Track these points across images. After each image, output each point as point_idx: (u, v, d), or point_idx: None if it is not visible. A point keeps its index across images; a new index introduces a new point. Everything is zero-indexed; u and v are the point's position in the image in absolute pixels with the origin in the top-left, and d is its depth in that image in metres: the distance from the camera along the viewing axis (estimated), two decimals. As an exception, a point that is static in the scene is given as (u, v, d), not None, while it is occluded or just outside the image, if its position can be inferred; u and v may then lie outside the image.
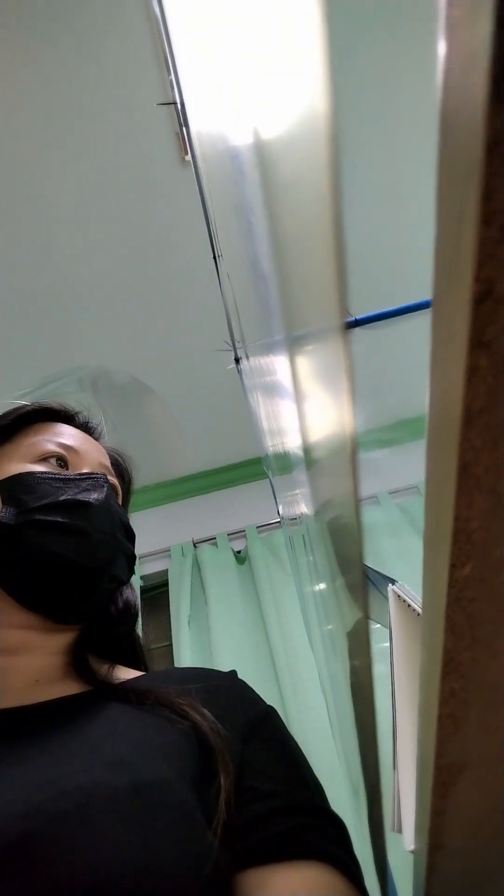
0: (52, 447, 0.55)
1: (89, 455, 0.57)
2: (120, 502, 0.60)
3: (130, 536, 0.56)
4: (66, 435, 0.57)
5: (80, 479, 0.52)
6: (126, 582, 0.55)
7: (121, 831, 0.31)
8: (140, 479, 0.68)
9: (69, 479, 0.52)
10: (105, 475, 0.55)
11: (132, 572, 0.57)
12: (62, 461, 0.54)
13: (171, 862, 0.31)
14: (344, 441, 0.15)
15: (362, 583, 0.19)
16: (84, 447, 0.57)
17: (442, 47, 0.11)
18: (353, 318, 1.18)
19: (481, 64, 0.10)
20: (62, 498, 0.49)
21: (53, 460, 0.54)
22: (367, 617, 0.19)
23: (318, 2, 0.12)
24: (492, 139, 0.10)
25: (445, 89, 0.11)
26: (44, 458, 0.54)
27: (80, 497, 0.50)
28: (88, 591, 0.49)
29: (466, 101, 0.10)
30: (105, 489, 0.53)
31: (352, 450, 0.14)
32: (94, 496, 0.51)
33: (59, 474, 0.52)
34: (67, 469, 0.55)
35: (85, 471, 0.55)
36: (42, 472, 0.51)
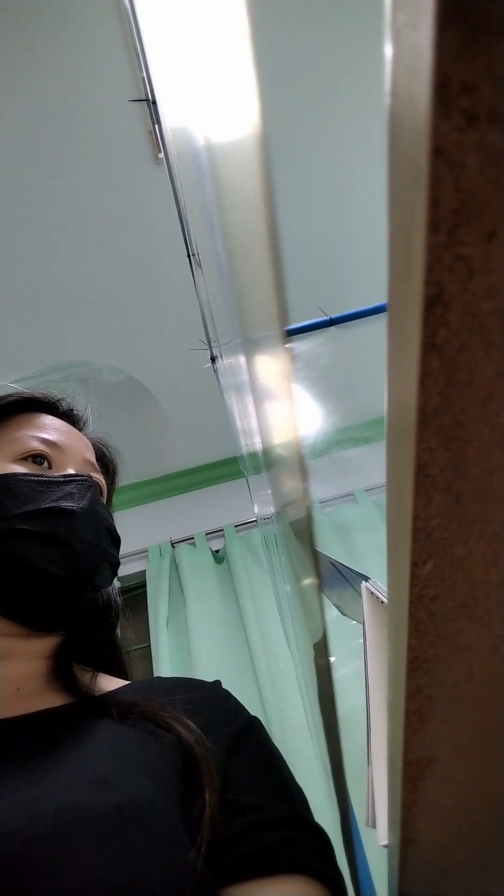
0: (34, 444, 0.52)
1: (73, 451, 0.55)
2: (104, 498, 0.58)
3: (115, 542, 0.54)
4: (50, 429, 0.55)
5: (63, 482, 0.50)
6: (108, 587, 0.54)
7: (101, 853, 0.30)
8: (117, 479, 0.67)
9: (52, 481, 0.50)
10: (90, 477, 0.53)
11: (115, 576, 0.56)
12: (45, 459, 0.53)
13: (153, 883, 0.31)
14: (292, 443, 0.15)
15: (318, 584, 0.19)
16: (68, 442, 0.55)
17: (388, 52, 0.11)
18: (328, 318, 1.19)
19: (425, 69, 0.10)
20: (44, 505, 0.47)
21: (40, 459, 0.52)
22: (324, 619, 0.20)
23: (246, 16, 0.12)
24: (436, 145, 0.10)
25: (392, 95, 0.11)
26: (26, 457, 0.52)
27: (64, 504, 0.48)
28: (69, 602, 0.47)
29: (412, 108, 0.11)
30: (89, 494, 0.51)
31: (298, 455, 0.14)
32: (78, 503, 0.49)
33: (41, 476, 0.50)
34: (51, 467, 0.53)
35: (69, 471, 0.53)
36: (24, 474, 0.49)
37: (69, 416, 0.61)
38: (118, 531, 0.57)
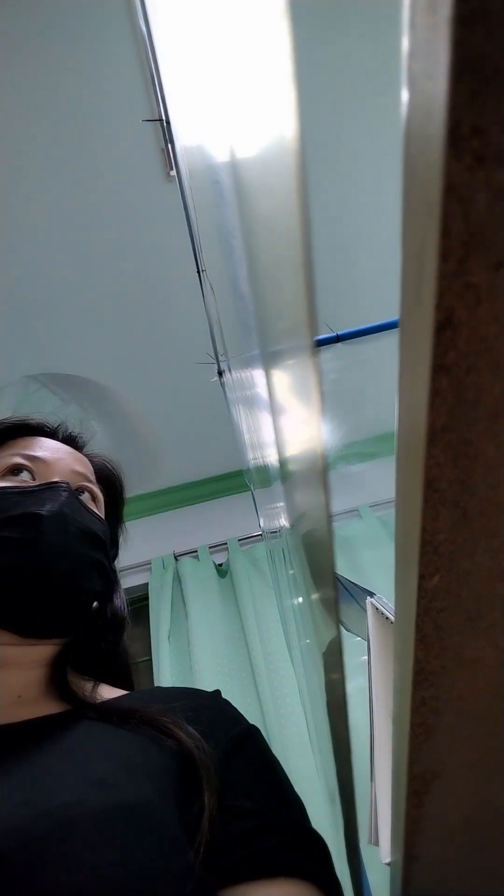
0: (17, 460, 0.54)
1: (59, 463, 0.56)
2: (102, 510, 0.59)
3: (99, 544, 0.54)
4: (39, 447, 0.57)
5: (39, 490, 0.52)
6: (104, 592, 0.54)
7: (101, 851, 0.31)
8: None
9: (29, 490, 0.51)
10: (67, 483, 0.54)
11: (111, 581, 0.56)
12: (28, 472, 0.54)
13: (152, 881, 0.31)
14: (315, 456, 0.15)
15: (335, 598, 0.19)
16: (55, 456, 0.57)
17: (404, 97, 0.12)
18: (334, 334, 1.20)
19: (438, 114, 0.11)
20: (15, 512, 0.48)
21: (24, 473, 0.54)
22: (339, 633, 0.20)
23: (287, 36, 0.13)
24: (447, 183, 0.11)
25: (407, 136, 0.12)
26: (10, 472, 0.54)
27: (33, 509, 0.49)
28: (52, 605, 0.48)
29: (426, 148, 0.11)
30: (63, 497, 0.52)
31: (322, 465, 0.15)
32: (46, 507, 0.50)
33: (19, 487, 0.51)
34: (35, 479, 0.54)
35: (53, 480, 0.54)
36: (3, 487, 0.51)
37: (67, 439, 0.63)
38: (120, 543, 0.57)
